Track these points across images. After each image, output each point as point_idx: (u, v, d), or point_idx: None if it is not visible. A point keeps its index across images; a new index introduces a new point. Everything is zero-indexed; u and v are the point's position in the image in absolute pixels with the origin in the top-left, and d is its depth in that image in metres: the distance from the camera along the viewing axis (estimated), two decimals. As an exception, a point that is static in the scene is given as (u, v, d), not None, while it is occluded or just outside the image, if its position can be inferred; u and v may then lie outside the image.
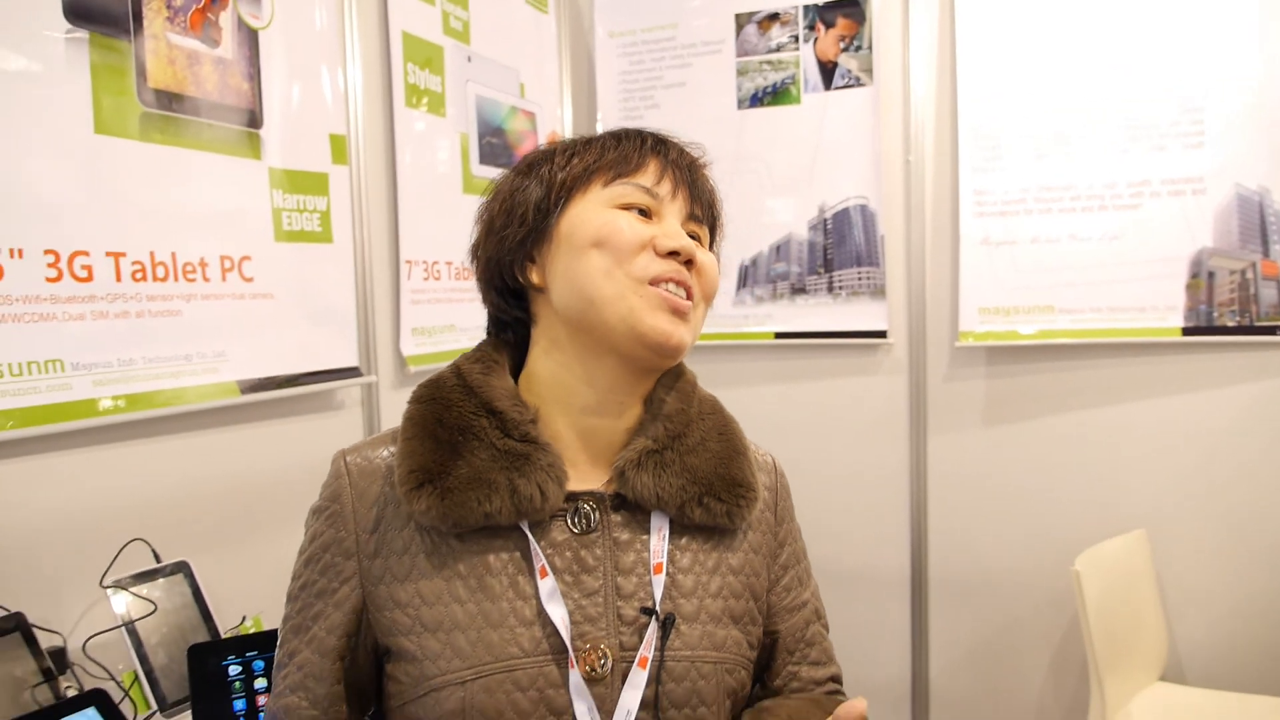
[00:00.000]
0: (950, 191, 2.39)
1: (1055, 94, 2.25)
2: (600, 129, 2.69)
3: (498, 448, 0.80)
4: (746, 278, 2.60)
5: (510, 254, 0.86)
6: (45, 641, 1.08)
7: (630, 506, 0.84)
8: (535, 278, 0.86)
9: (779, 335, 2.58)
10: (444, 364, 0.89)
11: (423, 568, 0.79)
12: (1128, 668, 2.10)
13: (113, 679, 1.14)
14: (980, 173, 2.34)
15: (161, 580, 1.19)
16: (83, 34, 1.30)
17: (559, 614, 0.77)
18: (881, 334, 2.47)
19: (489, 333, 0.94)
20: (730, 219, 2.75)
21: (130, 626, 1.11)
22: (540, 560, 0.79)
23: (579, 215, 0.83)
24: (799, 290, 2.56)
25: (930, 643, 2.51)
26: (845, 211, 2.49)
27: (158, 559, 1.23)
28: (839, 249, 2.51)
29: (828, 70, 2.49)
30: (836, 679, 0.96)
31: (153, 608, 1.13)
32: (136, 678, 1.13)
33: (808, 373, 2.58)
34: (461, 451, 0.80)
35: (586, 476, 0.85)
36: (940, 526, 2.48)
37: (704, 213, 0.88)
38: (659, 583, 0.81)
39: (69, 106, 1.29)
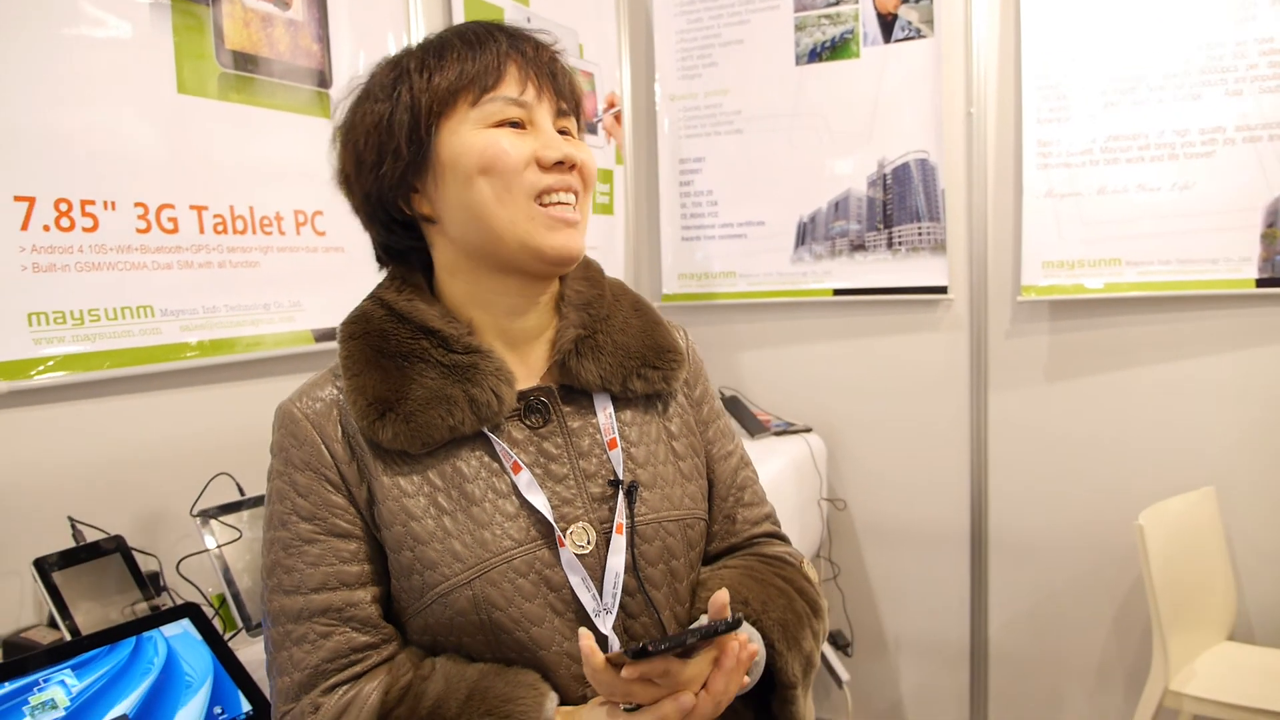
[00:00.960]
0: (1013, 143, 2.35)
1: (1124, 40, 2.20)
2: (658, 91, 2.72)
3: (444, 364, 0.84)
4: (805, 235, 2.60)
5: (392, 190, 0.86)
6: (143, 564, 1.17)
7: (574, 393, 0.90)
8: (424, 209, 0.87)
9: (838, 292, 2.58)
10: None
11: (402, 487, 0.82)
12: (1193, 626, 2.07)
13: (204, 599, 1.23)
14: (1044, 123, 2.30)
15: (245, 512, 1.27)
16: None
17: (540, 501, 0.84)
18: (942, 289, 2.46)
19: (380, 260, 0.94)
20: (788, 176, 2.77)
21: (218, 552, 1.19)
22: (511, 458, 0.84)
23: (458, 142, 0.83)
24: (858, 247, 2.55)
25: (990, 600, 2.51)
26: (905, 166, 2.47)
27: (241, 492, 1.31)
28: (899, 204, 2.49)
29: (887, 23, 2.46)
30: (771, 517, 1.04)
31: (238, 534, 1.21)
32: (224, 599, 1.21)
33: (867, 330, 2.58)
34: (411, 375, 0.83)
35: (524, 374, 0.90)
36: (1001, 483, 2.47)
37: (569, 104, 0.88)
38: (617, 457, 0.88)
39: (154, 68, 1.36)
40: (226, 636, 1.15)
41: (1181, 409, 2.25)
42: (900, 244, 2.50)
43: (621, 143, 2.70)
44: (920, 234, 2.48)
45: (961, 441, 2.50)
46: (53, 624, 1.09)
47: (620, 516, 0.86)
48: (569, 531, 0.84)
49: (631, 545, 0.85)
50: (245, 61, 1.49)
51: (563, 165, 0.83)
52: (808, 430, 2.57)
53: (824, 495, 2.51)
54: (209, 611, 1.18)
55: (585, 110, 0.94)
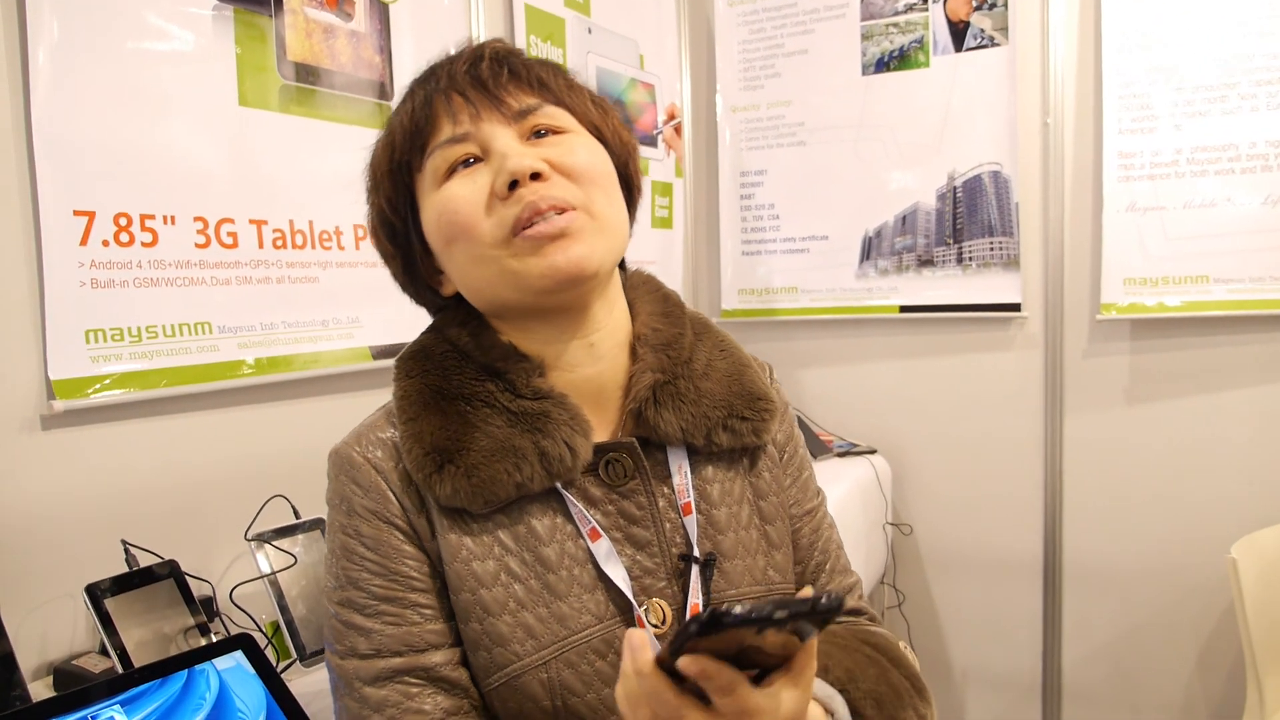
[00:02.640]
0: (1092, 155, 2.25)
1: (1212, 46, 2.08)
2: (719, 103, 2.66)
3: (512, 410, 0.74)
4: (870, 249, 2.52)
5: (413, 283, 0.82)
6: (196, 590, 1.14)
7: (650, 446, 0.80)
8: (448, 289, 0.81)
9: (904, 309, 2.49)
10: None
11: (470, 547, 0.73)
12: (1289, 666, 1.94)
13: (257, 627, 1.19)
14: (1126, 134, 2.19)
15: (300, 536, 1.23)
16: (228, 10, 1.35)
17: (619, 574, 0.74)
18: (1015, 307, 2.36)
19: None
20: (853, 189, 2.67)
21: (273, 578, 1.15)
22: (589, 522, 0.75)
23: (425, 219, 0.76)
24: (926, 262, 2.46)
25: (1064, 630, 2.39)
26: (977, 179, 2.38)
27: (297, 515, 1.27)
28: (969, 218, 2.40)
29: (959, 30, 2.37)
30: (858, 589, 0.92)
31: (293, 560, 1.17)
32: (278, 627, 1.17)
33: (935, 348, 2.48)
34: (474, 422, 0.74)
35: (600, 423, 0.80)
36: (1077, 509, 2.35)
37: (523, 92, 0.76)
38: (692, 525, 0.78)
39: (215, 80, 1.34)
40: (280, 667, 1.11)
41: (1274, 434, 2.12)
42: (971, 259, 2.40)
43: (682, 155, 2.64)
44: (992, 249, 2.38)
45: (1035, 465, 2.39)
46: (104, 651, 1.06)
47: (696, 595, 0.76)
48: (645, 607, 0.75)
49: None
50: (307, 73, 1.47)
51: (518, 185, 0.71)
52: (872, 452, 2.48)
53: (889, 519, 2.42)
54: (262, 640, 1.14)
55: (566, 77, 0.81)
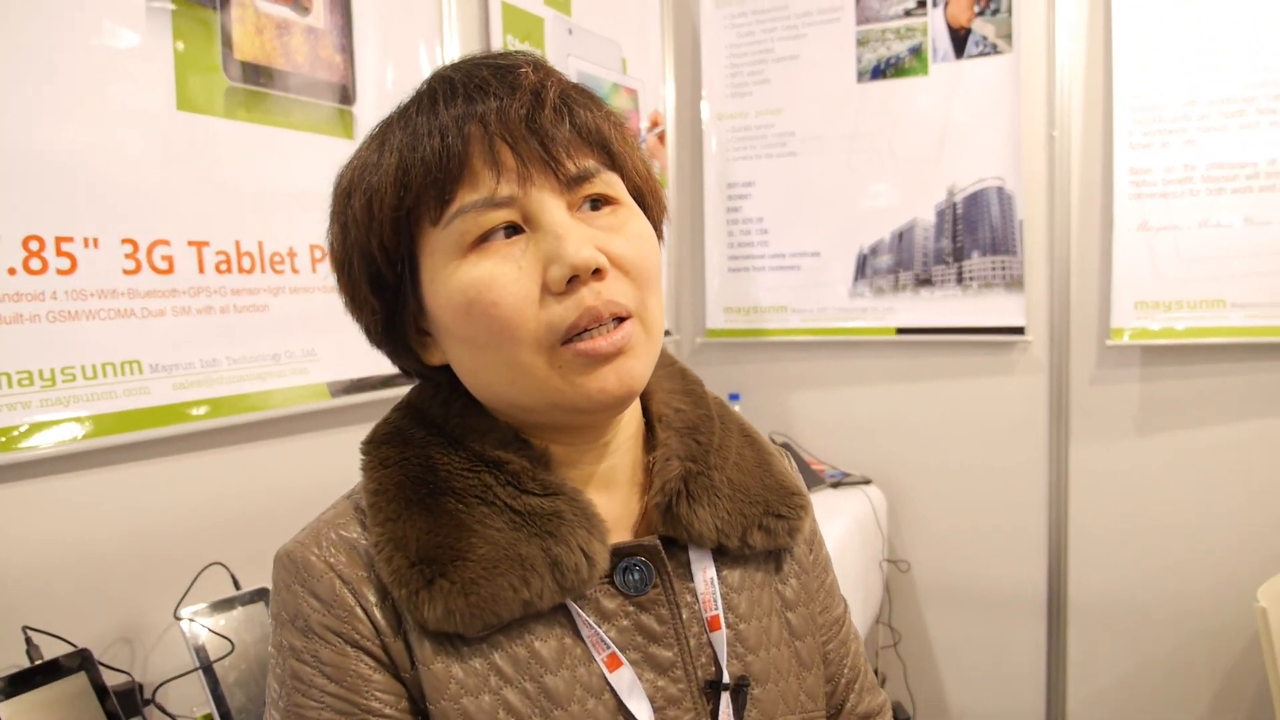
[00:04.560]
0: (1102, 170, 2.13)
1: (1230, 57, 1.97)
2: (705, 110, 2.51)
3: (515, 509, 0.61)
4: (865, 268, 2.38)
5: (391, 342, 0.65)
6: (113, 682, 0.96)
7: (671, 546, 0.66)
8: (434, 358, 0.65)
9: (901, 331, 2.35)
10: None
11: (460, 679, 0.58)
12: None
13: (190, 722, 1.02)
14: (1138, 149, 2.07)
15: (239, 610, 1.06)
16: (165, 2, 1.18)
17: (644, 711, 0.61)
18: (1018, 330, 2.23)
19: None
20: (847, 203, 2.52)
21: (207, 666, 0.98)
22: (606, 645, 0.61)
23: (436, 292, 0.60)
24: (924, 281, 2.33)
25: (1069, 673, 2.27)
26: (978, 194, 2.25)
27: (237, 585, 1.10)
28: (970, 236, 2.27)
29: (959, 37, 2.25)
30: (886, 709, 0.81)
31: (230, 648, 1.00)
32: (215, 720, 1.00)
33: (933, 372, 2.35)
34: (469, 524, 0.60)
35: (613, 518, 0.65)
36: (1083, 544, 2.23)
37: (582, 151, 0.60)
38: (721, 642, 0.65)
39: (149, 80, 1.17)
40: (216, 776, 0.94)
41: (1292, 468, 2.02)
42: (972, 279, 2.28)
43: (665, 165, 2.50)
44: (994, 269, 2.25)
45: (1038, 497, 2.26)
46: (-1, 766, 0.88)
47: None
48: None
49: None
50: (256, 74, 1.30)
51: (578, 280, 0.57)
52: (867, 482, 2.34)
53: (885, 556, 2.28)
54: (195, 740, 0.97)
55: (624, 131, 0.64)
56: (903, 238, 2.35)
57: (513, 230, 0.58)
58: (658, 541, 0.64)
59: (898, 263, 2.35)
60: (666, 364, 0.74)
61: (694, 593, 0.65)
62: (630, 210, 0.63)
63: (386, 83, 1.51)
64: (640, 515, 0.67)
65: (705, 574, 0.66)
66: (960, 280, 2.29)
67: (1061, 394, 2.22)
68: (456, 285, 0.58)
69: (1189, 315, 2.05)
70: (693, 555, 0.66)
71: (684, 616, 0.64)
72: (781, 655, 0.68)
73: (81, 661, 0.94)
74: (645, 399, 0.71)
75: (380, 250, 0.60)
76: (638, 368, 0.60)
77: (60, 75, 1.06)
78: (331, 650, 0.59)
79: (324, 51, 1.40)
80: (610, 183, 0.61)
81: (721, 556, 0.68)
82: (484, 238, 0.58)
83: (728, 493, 0.67)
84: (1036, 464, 2.26)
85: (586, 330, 0.57)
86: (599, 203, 0.61)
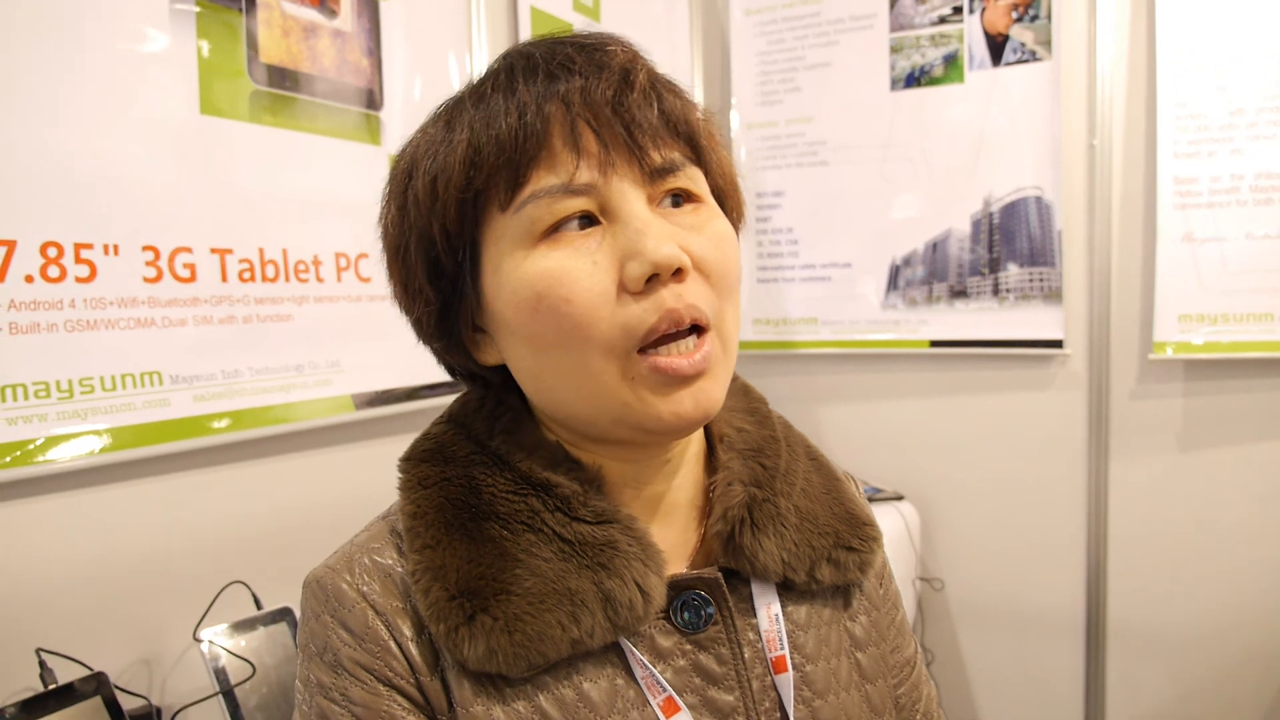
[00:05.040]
0: (1144, 180, 2.07)
1: (1278, 62, 1.91)
2: (735, 119, 2.47)
3: (565, 538, 0.56)
4: (898, 279, 2.33)
5: (443, 338, 0.61)
6: (130, 706, 0.92)
7: (732, 578, 0.61)
8: (488, 357, 0.60)
9: (935, 344, 2.29)
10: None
11: None
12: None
13: (208, 748, 0.98)
14: (1183, 158, 2.01)
15: (261, 630, 1.02)
16: (189, 4, 1.15)
17: None
18: (1057, 343, 2.17)
19: (452, 374, 0.66)
20: (879, 213, 2.45)
21: (228, 690, 0.94)
22: (664, 689, 0.56)
23: (500, 283, 0.55)
24: (958, 293, 2.27)
25: (1108, 696, 2.20)
26: (1015, 204, 2.19)
27: (258, 605, 1.06)
28: (1007, 247, 2.21)
29: (997, 44, 2.19)
30: None
31: (251, 671, 0.96)
32: (234, 747, 0.96)
33: (968, 386, 2.29)
34: (514, 553, 0.55)
35: (669, 547, 0.60)
36: (1123, 565, 2.16)
37: (668, 141, 0.55)
38: (787, 685, 0.59)
39: (173, 84, 1.14)
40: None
41: (1345, 488, 1.94)
42: (1008, 291, 2.22)
43: (693, 174, 2.45)
44: (1032, 280, 2.19)
45: (1076, 515, 2.19)
46: (10, 796, 0.84)
47: None
48: None
49: None
50: (282, 78, 1.27)
51: (659, 279, 0.52)
52: (899, 498, 2.28)
53: (918, 575, 2.22)
54: (213, 770, 0.93)
55: (711, 125, 0.60)
56: (937, 248, 2.29)
57: (588, 221, 0.54)
58: (719, 574, 0.59)
59: (931, 274, 2.29)
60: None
61: (757, 630, 0.60)
62: (712, 210, 0.58)
63: (414, 88, 1.48)
64: (698, 544, 0.63)
65: (769, 610, 0.61)
66: (996, 292, 2.23)
67: (1101, 409, 2.15)
68: (524, 278, 0.53)
69: (1235, 329, 1.98)
70: (755, 589, 0.61)
71: (746, 656, 0.59)
72: (852, 700, 0.63)
73: (97, 685, 0.90)
74: None
75: (442, 235, 0.56)
76: (715, 391, 0.55)
77: (80, 77, 1.03)
78: (362, 689, 0.54)
79: (351, 55, 1.37)
80: (694, 178, 0.57)
81: (786, 591, 0.63)
82: (556, 227, 0.53)
83: (794, 522, 0.62)
84: (1075, 481, 2.19)
85: (665, 337, 0.53)
86: (680, 199, 0.56)
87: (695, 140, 0.57)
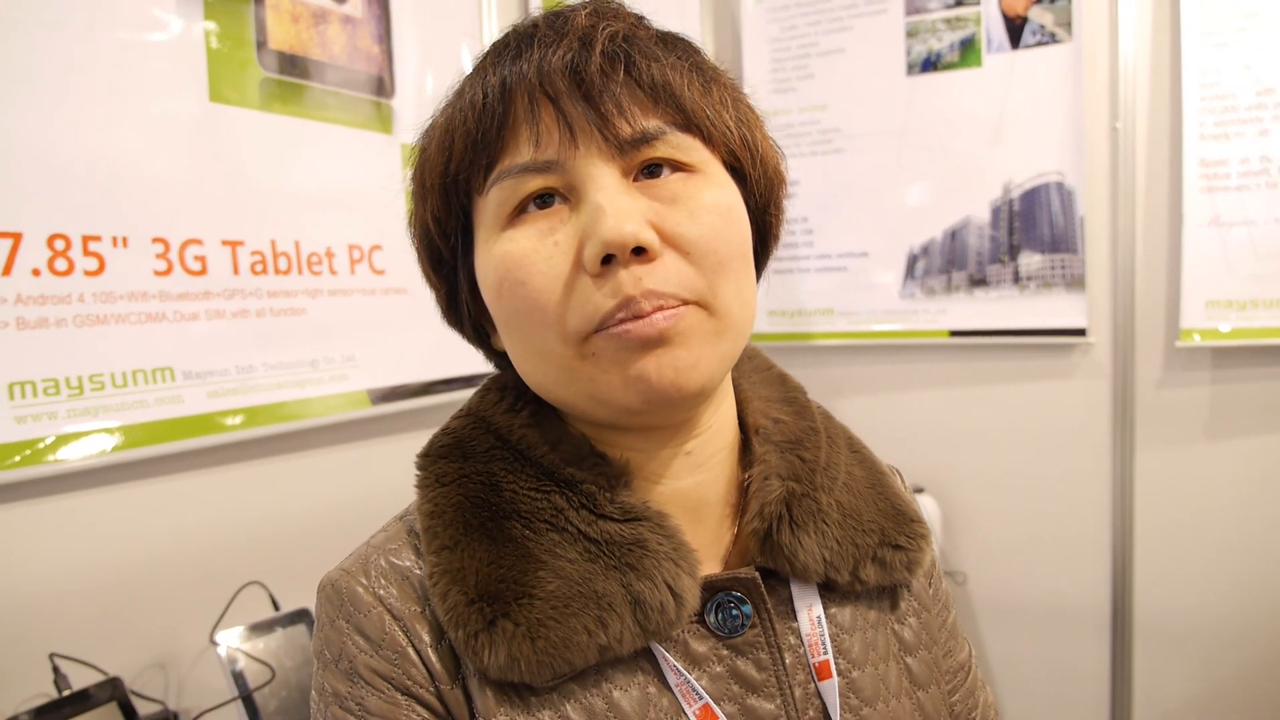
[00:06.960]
0: (1169, 163, 2.03)
1: (1309, 42, 1.87)
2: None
3: (591, 537, 0.53)
4: (916, 267, 2.29)
5: (458, 321, 0.61)
6: (146, 712, 0.89)
7: (770, 578, 0.57)
8: (499, 341, 0.59)
9: (954, 333, 2.26)
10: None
11: None
12: None
13: (226, 755, 0.95)
14: (1210, 140, 1.97)
15: (279, 632, 0.99)
16: (196, -12, 1.12)
17: None
18: (1080, 331, 2.13)
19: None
20: (896, 201, 2.41)
21: (246, 695, 0.91)
22: (700, 697, 0.53)
23: (479, 265, 0.54)
24: (978, 282, 2.23)
25: (1134, 691, 2.16)
26: (1036, 190, 2.15)
27: (276, 606, 1.03)
28: (1027, 233, 2.17)
29: (1015, 27, 2.15)
30: None
31: (270, 674, 0.93)
32: (254, 752, 0.93)
33: (988, 376, 2.25)
34: (537, 554, 0.52)
35: (701, 546, 0.57)
36: (1150, 556, 2.12)
37: (642, 106, 0.51)
38: (832, 692, 0.56)
39: (181, 72, 1.11)
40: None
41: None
42: (1029, 279, 2.18)
43: (706, 164, 2.42)
44: (1053, 268, 2.15)
45: (1101, 507, 2.15)
46: (24, 806, 0.81)
47: None
48: None
49: None
50: (292, 65, 1.23)
51: (614, 261, 0.49)
52: (919, 491, 2.25)
53: (942, 568, 2.18)
54: (232, 778, 0.89)
55: (712, 84, 0.55)
56: (955, 236, 2.25)
57: (547, 200, 0.51)
58: (756, 574, 0.56)
59: (950, 262, 2.25)
60: (763, 368, 0.66)
61: (798, 634, 0.57)
62: (706, 179, 0.53)
63: (425, 75, 1.44)
64: (733, 542, 0.59)
65: (811, 612, 0.57)
66: (1017, 280, 2.19)
67: (1126, 398, 2.11)
68: (489, 260, 0.52)
69: (1265, 315, 1.94)
70: (795, 590, 0.58)
71: (787, 662, 0.56)
72: (903, 708, 0.59)
73: (112, 691, 0.87)
74: (741, 408, 0.62)
75: (434, 221, 0.55)
76: (689, 360, 0.50)
77: (87, 64, 1.00)
78: (379, 698, 0.51)
79: (361, 42, 1.34)
80: (681, 146, 0.52)
81: (828, 592, 0.59)
82: (523, 208, 0.51)
83: (836, 518, 0.58)
84: (1099, 472, 2.15)
85: (623, 315, 0.49)
86: (662, 169, 0.52)
87: (679, 103, 0.52)
